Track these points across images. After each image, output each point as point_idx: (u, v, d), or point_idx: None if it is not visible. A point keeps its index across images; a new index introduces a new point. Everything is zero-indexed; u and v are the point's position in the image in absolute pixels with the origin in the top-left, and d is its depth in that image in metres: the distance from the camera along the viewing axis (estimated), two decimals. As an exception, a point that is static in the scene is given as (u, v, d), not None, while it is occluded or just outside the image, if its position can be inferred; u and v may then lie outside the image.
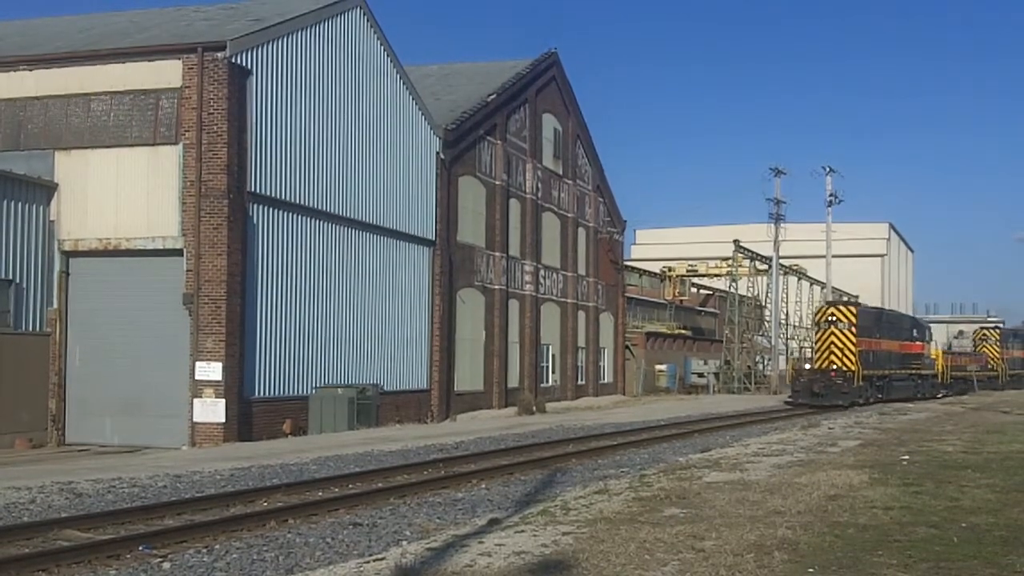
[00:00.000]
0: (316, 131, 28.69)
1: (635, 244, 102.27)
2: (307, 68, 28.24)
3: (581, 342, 50.32)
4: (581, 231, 51.08)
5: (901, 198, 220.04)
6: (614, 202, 56.59)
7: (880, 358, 42.71)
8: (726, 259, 65.95)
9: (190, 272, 24.87)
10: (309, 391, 27.72)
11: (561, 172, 48.37)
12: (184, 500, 13.97)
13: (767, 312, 67.63)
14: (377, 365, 31.71)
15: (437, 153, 35.45)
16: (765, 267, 65.19)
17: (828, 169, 64.19)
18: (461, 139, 37.18)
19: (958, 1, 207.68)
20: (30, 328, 25.96)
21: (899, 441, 22.32)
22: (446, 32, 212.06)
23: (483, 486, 16.18)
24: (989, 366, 62.36)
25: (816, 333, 43.35)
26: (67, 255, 26.59)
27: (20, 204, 25.75)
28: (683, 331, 67.37)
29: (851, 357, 39.51)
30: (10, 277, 25.37)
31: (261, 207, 26.38)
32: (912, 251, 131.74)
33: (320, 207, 28.83)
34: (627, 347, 57.35)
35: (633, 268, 68.75)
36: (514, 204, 42.71)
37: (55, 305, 26.47)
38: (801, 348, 65.67)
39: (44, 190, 26.34)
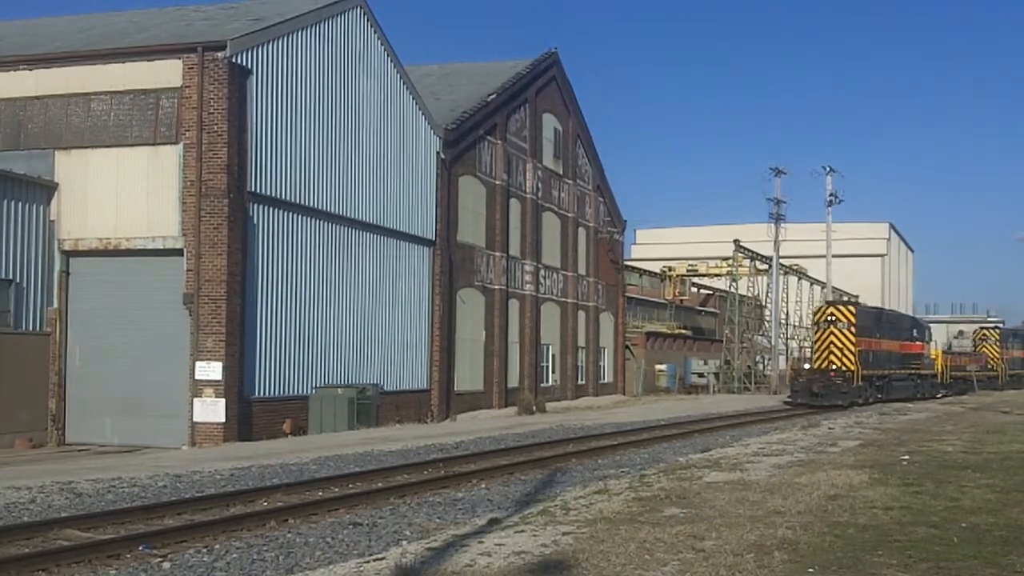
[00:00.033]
0: (316, 131, 28.69)
1: (635, 244, 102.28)
2: (307, 68, 28.24)
3: (581, 342, 50.33)
4: (581, 231, 51.09)
5: (901, 198, 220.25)
6: (614, 202, 56.60)
7: (879, 358, 42.70)
8: (726, 259, 65.96)
9: (190, 272, 24.87)
10: (309, 391, 27.72)
11: (561, 172, 48.37)
12: (184, 500, 13.97)
13: (767, 312, 67.64)
14: (377, 365, 31.71)
15: (437, 153, 35.45)
16: (765, 267, 65.20)
17: (828, 169, 64.25)
18: (461, 139, 37.19)
19: (958, 1, 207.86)
20: (30, 328, 25.96)
21: (899, 441, 22.32)
22: (446, 32, 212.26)
23: (483, 486, 16.18)
24: (989, 366, 62.36)
25: (815, 333, 43.34)
26: (67, 255, 26.60)
27: (20, 204, 25.75)
28: (683, 331, 67.38)
29: (850, 357, 39.50)
30: (10, 277, 25.37)
31: (261, 207, 26.38)
32: (912, 251, 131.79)
33: (320, 207, 28.83)
34: (627, 347, 57.35)
35: (633, 268, 68.75)
36: (514, 204, 42.72)
37: (55, 305, 26.47)
38: (801, 348, 65.67)
39: (44, 190, 26.34)
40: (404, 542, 10.92)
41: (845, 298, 68.33)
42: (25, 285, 25.79)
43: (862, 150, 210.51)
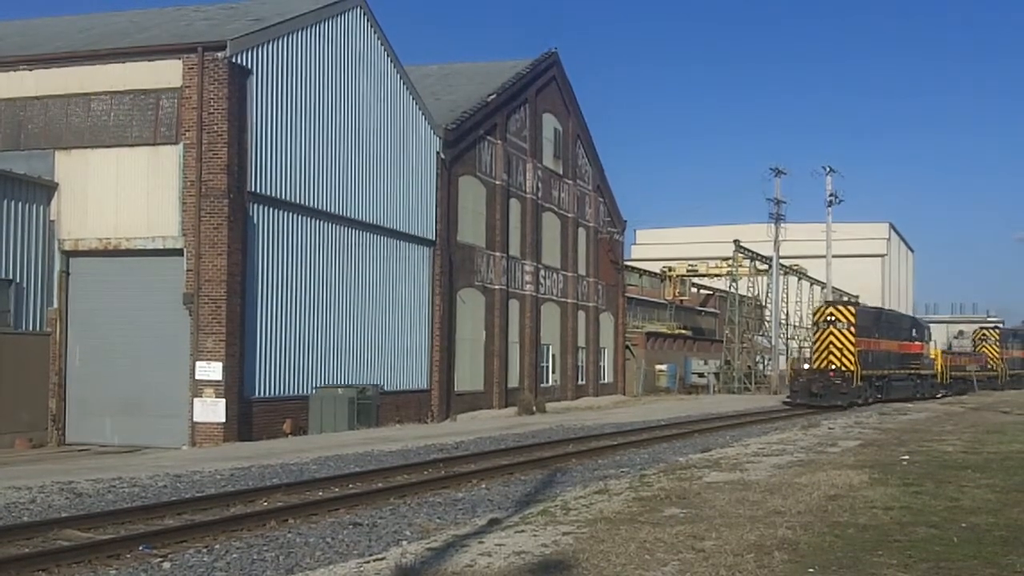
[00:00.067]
0: (316, 131, 28.70)
1: (635, 244, 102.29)
2: (307, 68, 28.24)
3: (581, 342, 50.33)
4: (581, 231, 51.09)
5: (901, 198, 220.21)
6: (614, 202, 56.60)
7: (879, 358, 42.68)
8: (726, 259, 65.96)
9: (190, 272, 24.87)
10: (309, 391, 27.72)
11: (561, 172, 48.38)
12: (184, 500, 13.97)
13: (767, 312, 67.65)
14: (377, 365, 31.71)
15: (437, 153, 35.45)
16: (765, 267, 65.20)
17: (828, 169, 64.26)
18: (461, 139, 37.19)
19: (958, 1, 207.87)
20: (30, 328, 25.96)
21: (899, 441, 22.32)
22: (446, 32, 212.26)
23: (483, 486, 16.18)
24: (988, 366, 62.37)
25: (814, 333, 43.34)
26: (67, 255, 26.60)
27: (20, 204, 25.75)
28: (683, 331, 67.38)
29: (850, 357, 39.49)
30: (10, 277, 25.37)
31: (261, 207, 26.38)
32: (912, 251, 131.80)
33: (320, 207, 28.83)
34: (627, 347, 57.36)
35: (633, 268, 68.76)
36: (514, 204, 42.72)
37: (55, 305, 26.48)
38: (801, 348, 65.70)
39: (44, 190, 26.35)
40: (404, 542, 10.92)
41: (845, 298, 68.31)
42: (25, 285, 25.80)
43: (862, 150, 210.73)
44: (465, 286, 37.82)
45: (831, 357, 39.72)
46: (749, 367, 64.47)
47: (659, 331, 63.26)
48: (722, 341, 66.95)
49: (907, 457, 18.37)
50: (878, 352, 42.51)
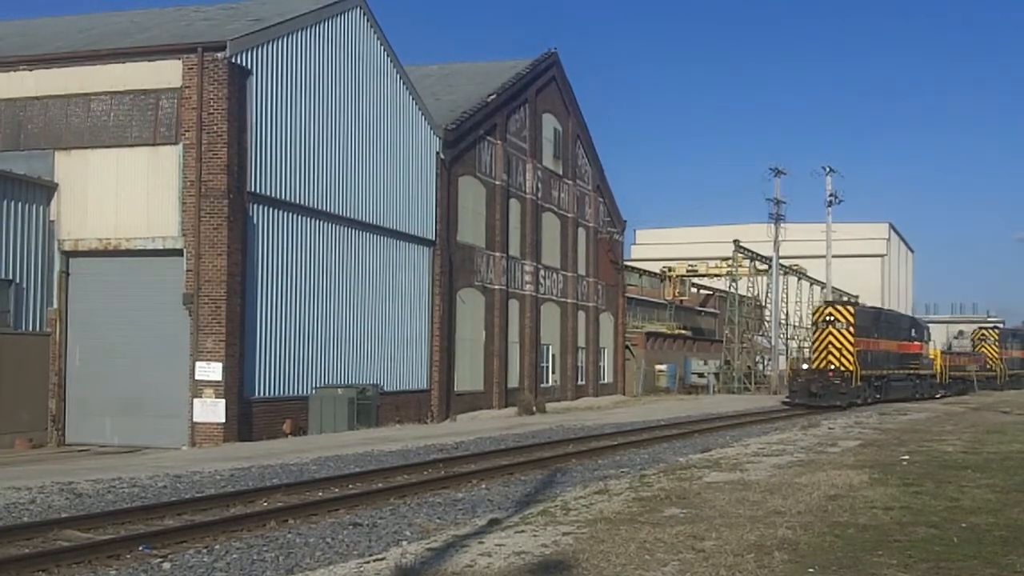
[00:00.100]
0: (316, 131, 28.70)
1: (635, 244, 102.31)
2: (307, 68, 28.24)
3: (581, 342, 50.33)
4: (581, 231, 51.09)
5: (901, 198, 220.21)
6: (614, 202, 56.61)
7: (878, 358, 42.69)
8: (726, 259, 65.97)
9: (190, 272, 24.88)
10: (309, 391, 27.72)
11: (561, 172, 48.38)
12: (184, 500, 13.97)
13: (767, 312, 67.65)
14: (377, 365, 31.72)
15: (437, 153, 35.46)
16: (765, 267, 65.20)
17: (828, 169, 64.26)
18: (461, 139, 37.19)
19: (958, 1, 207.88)
20: (30, 328, 25.96)
21: (899, 441, 22.33)
22: (446, 32, 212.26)
23: (483, 486, 16.18)
24: (988, 366, 62.39)
25: (814, 333, 43.34)
26: (67, 255, 26.60)
27: (20, 204, 25.75)
28: (683, 331, 67.38)
29: (849, 357, 39.49)
30: (10, 277, 25.37)
31: (261, 207, 26.38)
32: (912, 251, 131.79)
33: (320, 207, 28.83)
34: (627, 347, 57.36)
35: (633, 268, 68.77)
36: (514, 204, 42.72)
37: (55, 305, 26.47)
38: (801, 348, 65.69)
39: (44, 190, 26.34)
40: (404, 542, 10.92)
41: (845, 298, 68.34)
42: (25, 285, 25.80)
43: (862, 150, 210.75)
44: (465, 286, 37.83)
45: (830, 357, 39.72)
46: (749, 367, 64.47)
47: (659, 331, 63.26)
48: (722, 341, 66.95)
49: (907, 457, 18.37)
50: (877, 352, 42.51)
